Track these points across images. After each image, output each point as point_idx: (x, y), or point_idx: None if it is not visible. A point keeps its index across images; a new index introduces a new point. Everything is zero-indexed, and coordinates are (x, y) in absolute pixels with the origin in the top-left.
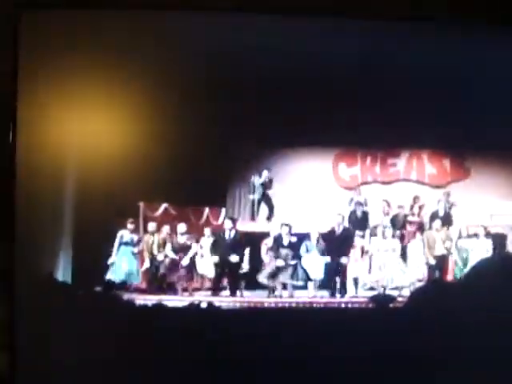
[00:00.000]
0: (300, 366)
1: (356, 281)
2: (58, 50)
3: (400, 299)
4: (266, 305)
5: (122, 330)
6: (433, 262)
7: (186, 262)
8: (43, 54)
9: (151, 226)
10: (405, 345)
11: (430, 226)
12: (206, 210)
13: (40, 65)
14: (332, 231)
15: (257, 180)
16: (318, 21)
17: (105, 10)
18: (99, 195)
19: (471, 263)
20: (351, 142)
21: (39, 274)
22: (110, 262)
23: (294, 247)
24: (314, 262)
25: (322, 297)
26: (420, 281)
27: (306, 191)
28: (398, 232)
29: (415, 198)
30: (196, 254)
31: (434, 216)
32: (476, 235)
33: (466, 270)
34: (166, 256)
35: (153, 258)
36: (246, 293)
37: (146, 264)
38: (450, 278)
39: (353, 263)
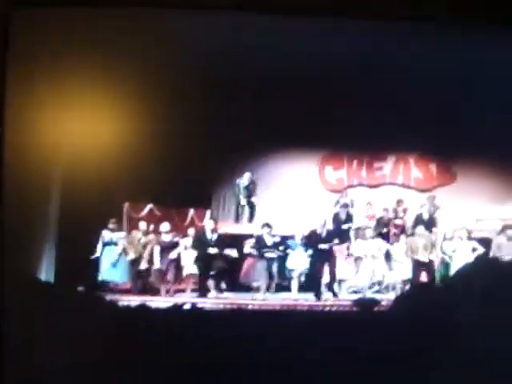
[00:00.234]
0: (284, 368)
1: (340, 284)
2: (47, 50)
3: (384, 303)
4: (249, 306)
5: (106, 330)
6: (417, 265)
7: (169, 261)
8: (32, 53)
9: (136, 225)
10: (389, 347)
11: (414, 230)
12: (191, 211)
13: (29, 64)
14: (317, 233)
15: (242, 182)
16: (309, 28)
17: (98, 8)
18: (84, 196)
19: (455, 266)
20: (338, 145)
21: (24, 274)
22: (94, 261)
23: (278, 248)
24: (299, 264)
25: (306, 299)
26: (404, 284)
27: (292, 194)
28: (382, 235)
29: (399, 202)
30: (180, 254)
31: (418, 220)
32: (460, 239)
33: (449, 273)
34: (150, 256)
35: (138, 258)
36: (229, 294)
37: (130, 264)
38: (433, 281)
39: (337, 266)
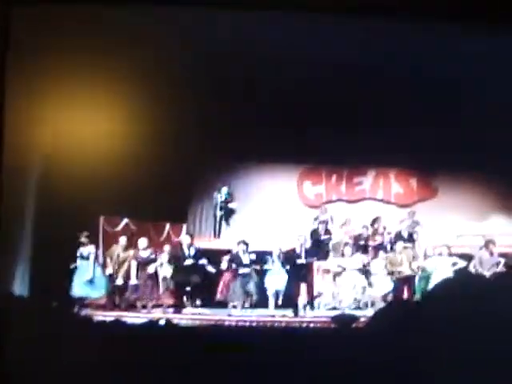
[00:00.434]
0: None
1: (318, 300)
2: (47, 49)
3: (362, 319)
4: (226, 323)
5: (81, 345)
6: (396, 281)
7: (146, 277)
8: (33, 52)
9: (111, 240)
10: (367, 364)
11: (393, 246)
12: (167, 225)
13: (30, 63)
14: (295, 250)
15: (219, 197)
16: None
17: (99, 7)
18: (59, 209)
19: (434, 282)
20: (317, 160)
21: None
22: (67, 276)
23: (255, 265)
24: (276, 281)
25: (283, 315)
26: (383, 300)
27: (270, 209)
28: (361, 251)
29: (377, 219)
30: (157, 270)
31: (397, 235)
32: (441, 255)
33: (429, 289)
34: (127, 272)
35: (115, 273)
36: (205, 310)
37: (108, 279)
38: (412, 297)
39: (315, 282)
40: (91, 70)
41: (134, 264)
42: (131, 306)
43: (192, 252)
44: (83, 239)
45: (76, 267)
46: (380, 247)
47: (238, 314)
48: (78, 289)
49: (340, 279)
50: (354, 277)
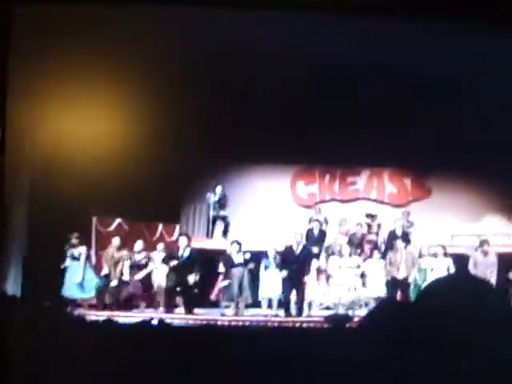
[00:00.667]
0: None
1: (312, 300)
2: (49, 48)
3: (356, 319)
4: (219, 323)
5: (74, 345)
6: (392, 281)
7: (140, 278)
8: (34, 51)
9: (104, 240)
10: (360, 365)
11: (391, 245)
12: (160, 226)
13: (31, 62)
14: (290, 249)
15: (212, 197)
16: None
17: (99, 6)
18: (52, 210)
19: (429, 282)
20: (310, 159)
21: None
22: (60, 276)
23: (248, 265)
24: (271, 281)
25: (276, 315)
26: (377, 300)
27: (263, 208)
28: (355, 250)
29: (372, 217)
30: (151, 271)
31: (392, 235)
32: (435, 255)
33: (423, 289)
34: (121, 272)
35: (109, 274)
36: (198, 310)
37: (103, 279)
38: (408, 297)
39: (310, 282)
40: (89, 69)
41: (127, 265)
42: (124, 306)
43: (185, 252)
44: (73, 240)
45: (67, 267)
46: (375, 247)
47: (230, 314)
48: (70, 289)
49: (334, 279)
50: (348, 277)
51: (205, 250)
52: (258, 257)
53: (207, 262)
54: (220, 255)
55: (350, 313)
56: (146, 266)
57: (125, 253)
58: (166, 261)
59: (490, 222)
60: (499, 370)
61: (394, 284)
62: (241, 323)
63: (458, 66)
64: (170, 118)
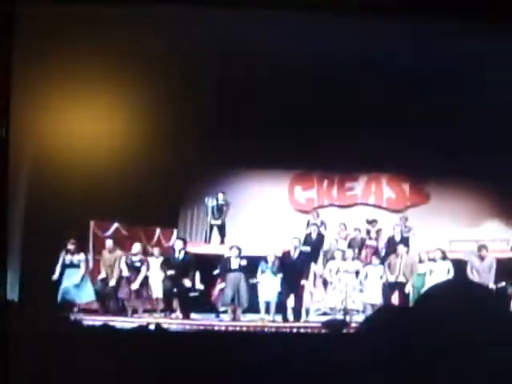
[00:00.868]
0: None
1: (310, 305)
2: (50, 48)
3: (354, 324)
4: (215, 328)
5: (71, 350)
6: (391, 286)
7: (137, 282)
8: (37, 51)
9: (102, 245)
10: (358, 370)
11: (390, 250)
12: (158, 230)
13: (34, 61)
14: (288, 254)
15: (210, 202)
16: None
17: (100, 6)
18: (49, 213)
19: (428, 288)
20: (308, 164)
21: None
22: (57, 281)
23: (246, 270)
24: (269, 286)
25: (274, 321)
26: (376, 305)
27: (261, 214)
28: (354, 256)
29: (372, 222)
30: (147, 275)
31: (390, 241)
32: (434, 259)
33: (421, 294)
34: (118, 276)
35: (106, 277)
36: (196, 315)
37: (100, 283)
38: (406, 302)
39: (307, 287)
40: (91, 70)
41: (124, 269)
42: (121, 311)
43: (183, 257)
44: (72, 246)
45: (65, 272)
46: (374, 253)
47: (228, 319)
48: (68, 294)
49: (332, 284)
50: (346, 282)
51: (202, 254)
52: (255, 262)
53: (205, 267)
54: (218, 260)
55: (348, 318)
56: (140, 268)
57: (119, 253)
58: (162, 265)
59: (489, 228)
60: (498, 374)
61: (392, 289)
62: (238, 328)
63: (458, 71)
64: (169, 123)
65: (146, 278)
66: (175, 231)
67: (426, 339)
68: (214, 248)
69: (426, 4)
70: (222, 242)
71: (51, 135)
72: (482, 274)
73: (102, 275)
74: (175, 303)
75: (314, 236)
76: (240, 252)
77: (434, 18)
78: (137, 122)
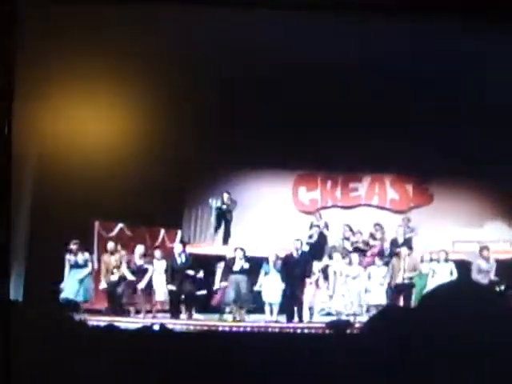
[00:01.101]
0: None
1: (313, 306)
2: (52, 48)
3: (358, 325)
4: (220, 328)
5: (75, 349)
6: (394, 287)
7: (142, 284)
8: (40, 51)
9: (105, 245)
10: (362, 372)
11: (393, 252)
12: (162, 231)
13: (37, 62)
14: (291, 256)
15: (214, 202)
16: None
17: (101, 6)
18: (54, 213)
19: (431, 289)
20: (312, 165)
21: None
22: (61, 281)
23: (250, 271)
24: (272, 287)
25: (278, 321)
26: (379, 306)
27: (265, 214)
28: (358, 257)
29: (376, 225)
30: (152, 276)
31: (394, 242)
32: (437, 260)
33: (424, 296)
34: (122, 277)
35: (108, 279)
36: (200, 316)
37: (102, 284)
38: (409, 303)
39: (311, 288)
40: (93, 71)
41: (127, 271)
42: (126, 311)
43: (187, 258)
44: (75, 246)
45: (70, 272)
46: (377, 254)
47: (232, 320)
48: (72, 294)
49: (335, 285)
50: (349, 282)
51: (206, 255)
52: (259, 262)
53: (208, 268)
54: (221, 261)
55: (352, 319)
56: (146, 270)
57: (121, 254)
58: (166, 266)
59: (492, 229)
60: (502, 375)
61: (395, 290)
62: (242, 329)
63: (460, 71)
64: (173, 124)
65: (149, 280)
66: (179, 232)
67: (428, 340)
68: (217, 249)
69: (425, 4)
70: (226, 242)
71: (55, 136)
72: (486, 274)
73: (105, 276)
74: (179, 304)
75: (316, 237)
76: (244, 253)
77: (434, 18)
78: (141, 122)
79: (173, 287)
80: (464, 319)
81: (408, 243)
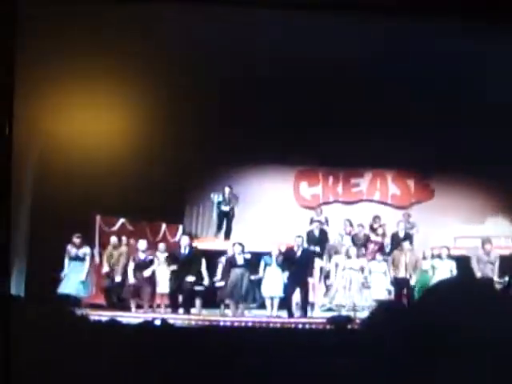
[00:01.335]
0: None
1: (314, 301)
2: (52, 48)
3: (358, 320)
4: (221, 323)
5: (77, 344)
6: (395, 283)
7: (145, 279)
8: (40, 52)
9: (107, 240)
10: (363, 367)
11: (394, 247)
12: (163, 226)
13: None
14: (292, 251)
15: (216, 197)
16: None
17: (101, 6)
18: (55, 208)
19: (432, 284)
20: (313, 161)
21: None
22: (63, 275)
23: (250, 266)
24: (273, 282)
25: (278, 317)
26: (380, 301)
27: (266, 210)
28: (359, 252)
29: (375, 218)
30: (154, 271)
31: (395, 237)
32: (439, 256)
33: (426, 291)
34: (124, 271)
35: (110, 273)
36: (201, 310)
37: (104, 279)
38: (411, 299)
39: (312, 283)
40: (93, 70)
41: (130, 264)
42: (127, 306)
43: (186, 252)
44: (78, 240)
45: (71, 267)
46: (379, 249)
47: (233, 315)
48: (73, 288)
49: (336, 280)
50: (350, 278)
51: (207, 250)
52: (260, 257)
53: (209, 263)
54: (222, 256)
55: (353, 314)
56: (149, 264)
57: (124, 249)
58: (168, 261)
59: (493, 224)
60: (503, 370)
61: (397, 286)
62: (243, 324)
63: (461, 66)
64: (172, 117)
65: (152, 274)
66: (181, 227)
67: (429, 335)
68: (218, 243)
69: (425, 4)
70: (227, 236)
71: (56, 136)
72: (487, 269)
73: (107, 271)
74: (180, 298)
75: (316, 232)
76: (243, 248)
77: (434, 18)
78: (140, 119)
79: (175, 281)
80: (465, 314)
81: (409, 239)
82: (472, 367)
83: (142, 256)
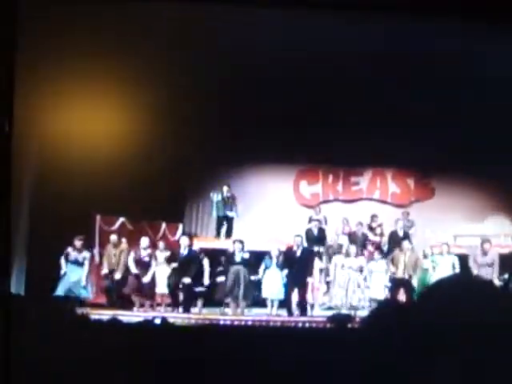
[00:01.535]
0: None
1: (314, 300)
2: (53, 48)
3: (358, 319)
4: (221, 322)
5: (77, 343)
6: (395, 281)
7: (145, 277)
8: (39, 53)
9: (107, 239)
10: (362, 367)
11: (393, 246)
12: (163, 225)
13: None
14: (291, 250)
15: (216, 196)
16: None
17: (101, 6)
18: (55, 207)
19: (432, 283)
20: (314, 159)
21: None
22: (63, 275)
23: (250, 264)
24: (273, 280)
25: (279, 315)
26: (380, 300)
27: (266, 208)
28: (358, 251)
29: (373, 217)
30: (154, 270)
31: (393, 236)
32: (440, 254)
33: (426, 290)
34: (125, 270)
35: (110, 273)
36: (201, 309)
37: (104, 278)
38: (410, 297)
39: (312, 282)
40: (93, 70)
41: (132, 264)
42: (127, 305)
43: (188, 251)
44: (77, 242)
45: (71, 268)
46: (377, 248)
47: (233, 314)
48: (74, 288)
49: (335, 279)
50: (350, 277)
51: (207, 249)
52: (259, 256)
53: (209, 261)
54: (222, 254)
55: (353, 313)
56: (149, 263)
57: (124, 247)
58: (167, 260)
59: (493, 223)
60: (501, 370)
61: (396, 284)
62: (243, 323)
63: (461, 66)
64: (172, 117)
65: (152, 273)
66: (181, 226)
67: (429, 334)
68: (218, 242)
69: (425, 4)
70: (227, 235)
71: (57, 132)
72: (483, 268)
73: (107, 270)
74: (180, 297)
75: (315, 231)
76: (243, 246)
77: (434, 18)
78: (140, 119)
79: (174, 280)
80: (465, 313)
81: (408, 237)
82: (473, 365)
83: (143, 253)
